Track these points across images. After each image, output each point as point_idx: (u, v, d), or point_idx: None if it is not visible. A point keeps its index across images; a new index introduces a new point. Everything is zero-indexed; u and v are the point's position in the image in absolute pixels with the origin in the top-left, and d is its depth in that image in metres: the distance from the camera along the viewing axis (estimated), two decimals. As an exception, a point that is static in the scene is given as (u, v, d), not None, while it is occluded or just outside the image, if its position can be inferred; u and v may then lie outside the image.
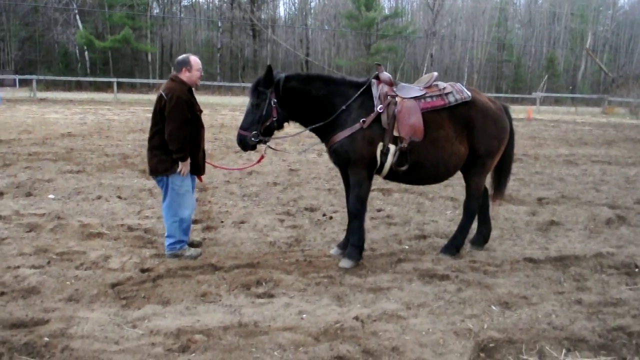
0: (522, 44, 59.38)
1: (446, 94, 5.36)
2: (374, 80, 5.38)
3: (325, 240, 6.24)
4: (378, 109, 5.18)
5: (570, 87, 53.30)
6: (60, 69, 42.44)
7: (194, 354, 3.55)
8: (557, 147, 15.85)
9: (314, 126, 5.34)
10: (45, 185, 8.42)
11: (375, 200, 8.19)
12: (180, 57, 5.42)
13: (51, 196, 7.75)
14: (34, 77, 31.93)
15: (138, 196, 7.94)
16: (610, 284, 5.08)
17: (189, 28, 54.66)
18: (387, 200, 8.32)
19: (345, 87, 5.37)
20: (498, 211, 7.68)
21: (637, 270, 5.45)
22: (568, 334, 3.98)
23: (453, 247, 5.76)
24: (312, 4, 59.56)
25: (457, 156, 5.42)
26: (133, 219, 6.82)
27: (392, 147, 5.17)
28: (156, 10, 50.94)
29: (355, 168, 5.25)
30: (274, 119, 5.20)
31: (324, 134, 5.38)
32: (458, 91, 5.40)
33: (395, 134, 5.16)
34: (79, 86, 40.36)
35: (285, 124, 5.45)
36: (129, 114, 21.70)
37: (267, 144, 5.40)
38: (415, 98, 5.30)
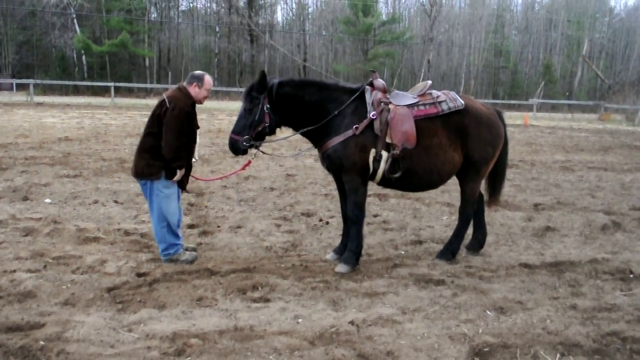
0: (518, 51, 59.63)
1: (439, 102, 5.39)
2: (367, 87, 5.41)
3: (322, 245, 6.26)
4: (371, 115, 5.20)
5: (567, 94, 53.51)
6: (57, 73, 42.43)
7: (189, 358, 3.55)
8: (553, 154, 15.91)
9: (305, 129, 5.35)
10: (41, 189, 8.42)
11: (371, 205, 8.20)
12: (197, 72, 5.47)
13: (48, 200, 7.75)
14: (31, 81, 31.94)
15: (134, 201, 7.94)
16: (605, 289, 5.11)
17: (187, 33, 54.74)
18: (384, 205, 8.35)
19: (338, 93, 5.38)
20: (494, 217, 7.71)
21: (631, 276, 5.48)
22: (562, 339, 4.00)
23: (449, 252, 5.78)
24: (310, 10, 59.79)
25: (451, 164, 5.44)
26: (129, 223, 6.83)
27: (384, 154, 5.19)
28: (154, 15, 51.07)
29: (349, 175, 5.27)
30: (266, 124, 5.22)
31: (317, 140, 5.40)
32: (451, 99, 5.42)
33: (388, 140, 5.17)
34: (76, 90, 40.33)
35: (278, 130, 5.46)
36: (126, 119, 21.70)
37: (259, 148, 5.41)
38: (409, 105, 5.32)
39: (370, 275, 5.25)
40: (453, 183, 6.21)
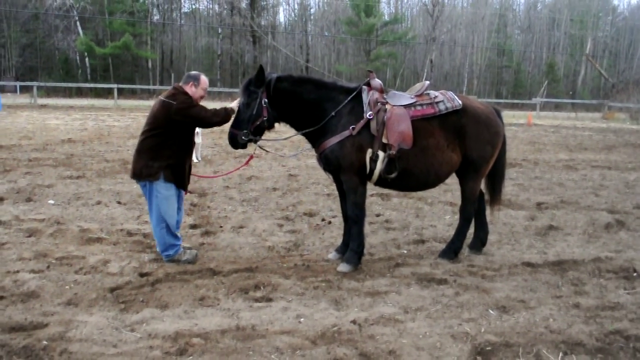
0: (521, 50, 59.51)
1: (437, 102, 5.36)
2: (364, 87, 5.39)
3: (324, 245, 6.25)
4: (367, 115, 5.19)
5: (570, 93, 53.38)
6: (60, 76, 42.60)
7: (191, 357, 3.56)
8: (556, 153, 15.88)
9: (305, 131, 5.36)
10: (45, 190, 8.45)
11: (374, 205, 8.20)
12: (192, 72, 5.52)
13: (51, 201, 7.77)
14: (34, 83, 32.06)
15: (137, 201, 7.96)
16: (608, 288, 5.09)
17: (189, 34, 54.84)
18: (386, 205, 8.34)
19: (336, 92, 5.38)
20: (497, 216, 7.66)
21: (635, 274, 5.46)
22: (565, 338, 3.99)
23: (451, 251, 5.78)
24: (312, 11, 59.80)
25: (449, 164, 5.42)
26: (132, 224, 6.84)
27: (381, 154, 5.18)
28: (156, 17, 51.13)
29: (347, 175, 5.26)
30: (264, 118, 5.22)
31: (315, 140, 5.39)
32: (449, 99, 5.40)
33: (384, 141, 5.16)
34: (80, 92, 40.46)
35: (277, 125, 5.47)
36: (129, 120, 21.76)
37: (257, 143, 5.42)
38: (405, 106, 5.30)
39: (373, 275, 5.25)
40: (456, 182, 6.20)
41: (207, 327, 3.99)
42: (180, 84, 5.42)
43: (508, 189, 9.78)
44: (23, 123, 18.81)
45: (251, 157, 5.76)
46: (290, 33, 57.12)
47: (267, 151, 5.98)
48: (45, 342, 3.66)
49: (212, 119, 5.31)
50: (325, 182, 9.95)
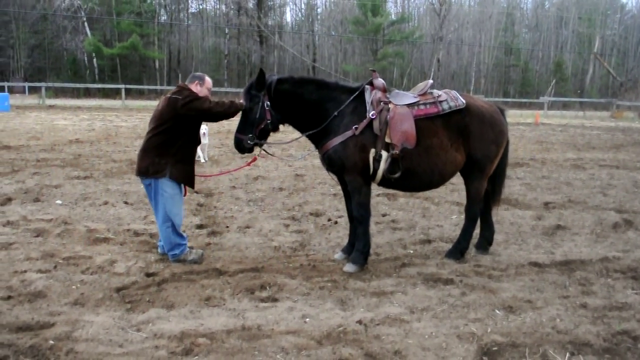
0: (529, 49, 59.27)
1: (440, 102, 5.32)
2: (367, 86, 5.37)
3: (330, 245, 6.25)
4: (370, 115, 5.17)
5: (579, 91, 53.11)
6: (69, 76, 42.88)
7: (197, 357, 3.57)
8: (564, 152, 15.79)
9: (309, 132, 5.35)
10: (53, 191, 8.49)
11: (380, 205, 8.19)
12: (197, 73, 5.57)
13: (58, 202, 7.81)
14: (43, 84, 32.31)
15: (144, 201, 7.98)
16: (615, 288, 5.05)
17: (197, 35, 55.02)
18: (393, 205, 8.32)
19: (338, 92, 5.35)
20: (504, 216, 7.66)
21: (643, 274, 5.41)
22: (572, 338, 3.96)
23: (457, 251, 5.75)
24: (319, 10, 59.80)
25: (453, 164, 5.39)
26: (139, 224, 6.86)
27: (384, 154, 5.15)
28: (164, 18, 51.35)
29: (351, 175, 5.24)
30: (268, 121, 5.21)
31: (317, 140, 5.38)
32: (452, 98, 5.36)
33: (387, 140, 5.13)
34: (88, 93, 40.72)
35: (281, 127, 5.46)
36: (136, 120, 21.85)
37: (262, 147, 5.42)
38: (408, 105, 5.27)
39: (379, 275, 5.24)
40: (462, 182, 6.17)
41: (213, 327, 3.99)
42: (186, 83, 5.46)
43: (515, 188, 9.74)
44: (31, 123, 18.94)
45: (255, 158, 5.75)
46: (297, 33, 57.18)
47: (270, 154, 5.97)
48: (51, 342, 3.68)
49: (216, 109, 5.28)
50: (331, 182, 9.94)
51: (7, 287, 4.64)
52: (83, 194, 8.37)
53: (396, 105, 5.24)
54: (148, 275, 5.07)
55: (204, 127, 11.06)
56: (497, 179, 5.96)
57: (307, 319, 4.18)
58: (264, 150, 5.56)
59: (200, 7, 56.54)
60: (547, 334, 4.03)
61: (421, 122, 5.22)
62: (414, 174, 5.28)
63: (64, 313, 4.19)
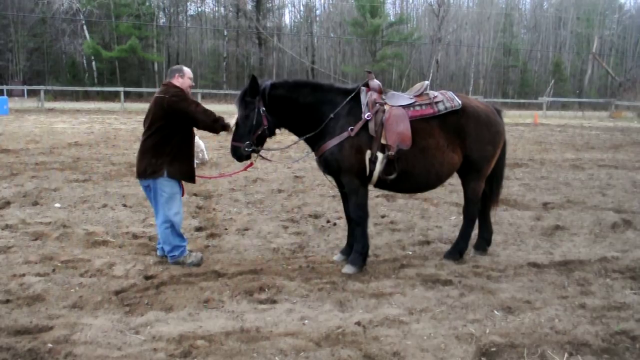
0: (528, 49, 59.28)
1: (436, 103, 5.32)
2: (362, 88, 5.36)
3: (329, 247, 6.25)
4: (366, 116, 5.16)
5: (577, 92, 53.13)
6: (67, 79, 42.82)
7: (195, 359, 3.57)
8: (563, 152, 15.80)
9: (306, 136, 5.34)
10: (51, 194, 8.49)
11: (379, 206, 8.19)
12: (174, 66, 5.63)
13: (57, 205, 7.81)
14: (41, 87, 32.24)
15: (143, 204, 7.98)
16: (614, 288, 5.05)
17: (195, 37, 55.00)
18: (392, 206, 8.32)
19: (333, 94, 5.34)
20: (502, 216, 7.66)
21: (642, 274, 5.41)
22: (571, 338, 3.96)
23: (456, 252, 5.75)
24: (318, 12, 59.83)
25: (449, 164, 5.39)
26: (138, 226, 6.87)
27: (379, 155, 5.14)
28: (162, 20, 51.36)
29: (347, 177, 5.23)
30: (265, 127, 5.20)
31: (314, 143, 5.37)
32: (448, 99, 5.37)
33: (383, 141, 5.12)
34: (87, 96, 40.66)
35: (278, 131, 5.46)
36: (135, 123, 21.83)
37: (259, 153, 5.41)
38: (404, 106, 5.27)
39: (377, 276, 5.24)
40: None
41: (212, 330, 4.00)
42: (167, 80, 5.51)
43: (514, 189, 9.75)
44: (30, 127, 18.93)
45: (251, 163, 5.72)
46: (296, 35, 57.22)
47: (268, 159, 5.96)
48: (50, 345, 3.68)
49: (200, 116, 5.30)
50: (330, 184, 9.93)
51: (6, 290, 4.65)
52: (82, 197, 8.37)
53: (392, 106, 5.24)
54: (147, 278, 5.07)
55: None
56: (496, 179, 5.96)
57: (306, 321, 4.19)
58: (262, 156, 5.56)
59: (199, 9, 56.58)
60: (545, 335, 4.03)
61: (417, 123, 5.22)
62: (410, 175, 5.28)
63: (62, 316, 4.19)
